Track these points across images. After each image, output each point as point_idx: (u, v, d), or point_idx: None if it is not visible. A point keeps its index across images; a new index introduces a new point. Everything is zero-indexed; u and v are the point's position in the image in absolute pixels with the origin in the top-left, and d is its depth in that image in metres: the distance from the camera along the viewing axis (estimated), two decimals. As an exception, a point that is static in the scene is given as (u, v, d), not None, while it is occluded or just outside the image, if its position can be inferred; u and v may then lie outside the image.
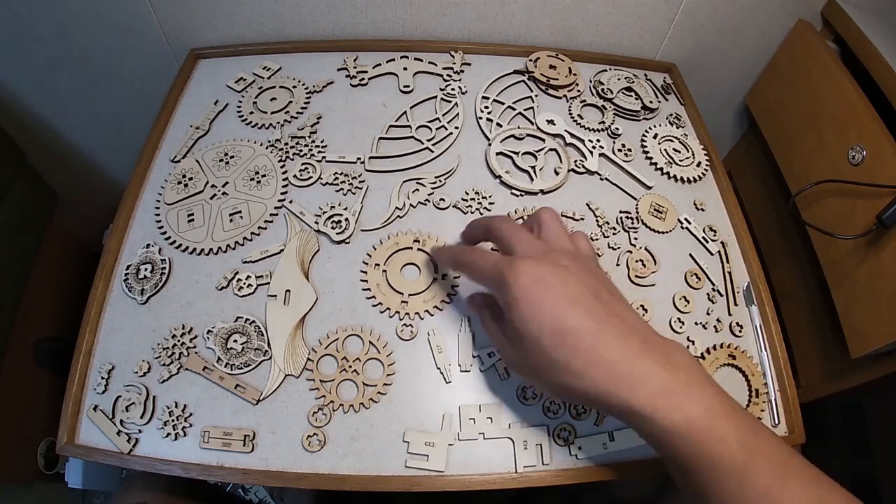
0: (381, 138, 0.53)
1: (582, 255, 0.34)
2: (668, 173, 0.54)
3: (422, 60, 0.59)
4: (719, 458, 0.27)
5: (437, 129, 0.54)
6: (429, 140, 0.53)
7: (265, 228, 0.46)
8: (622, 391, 0.29)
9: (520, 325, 0.31)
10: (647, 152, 0.55)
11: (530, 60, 0.60)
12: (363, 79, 0.57)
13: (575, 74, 0.60)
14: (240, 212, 0.47)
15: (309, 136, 0.52)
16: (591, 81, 0.60)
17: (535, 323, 0.30)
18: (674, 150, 0.56)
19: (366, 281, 0.44)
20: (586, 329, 0.29)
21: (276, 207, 0.47)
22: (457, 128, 0.54)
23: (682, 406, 0.28)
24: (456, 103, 0.56)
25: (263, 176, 0.49)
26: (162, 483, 0.44)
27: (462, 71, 0.59)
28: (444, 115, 0.55)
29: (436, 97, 0.56)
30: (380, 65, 0.59)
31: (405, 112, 0.55)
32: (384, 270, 0.44)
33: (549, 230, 0.35)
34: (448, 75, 0.58)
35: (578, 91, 0.59)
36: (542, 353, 0.30)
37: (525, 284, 0.30)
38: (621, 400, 0.29)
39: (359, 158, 0.51)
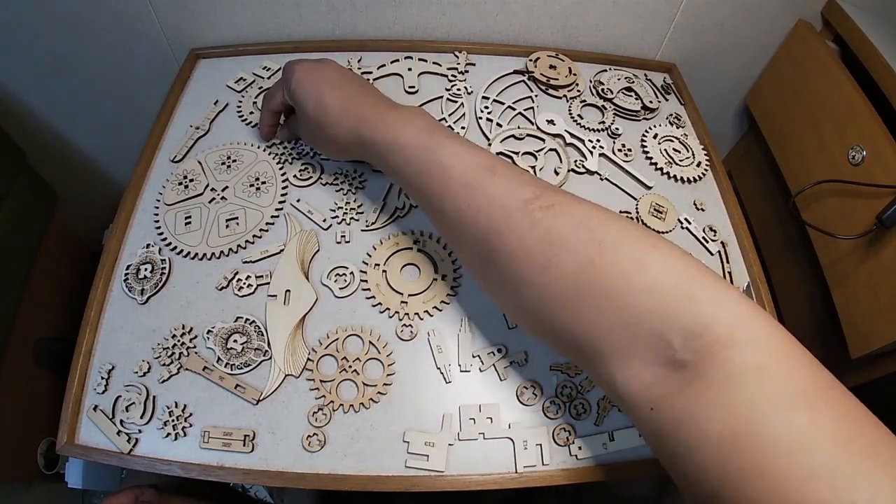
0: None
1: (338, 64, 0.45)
2: (668, 173, 0.54)
3: (426, 61, 0.59)
4: (426, 162, 0.35)
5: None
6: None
7: (260, 237, 0.46)
8: (358, 128, 0.39)
9: (298, 104, 0.43)
10: (647, 152, 0.55)
11: (530, 60, 0.60)
12: (367, 79, 0.57)
13: (575, 74, 0.60)
14: (237, 218, 0.47)
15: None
16: (591, 81, 0.60)
17: (306, 101, 0.42)
18: (674, 150, 0.56)
19: (366, 281, 0.44)
20: (335, 98, 0.40)
21: (272, 216, 0.47)
22: (463, 128, 0.54)
23: (398, 129, 0.37)
24: (462, 103, 0.56)
25: (263, 183, 0.49)
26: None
27: (467, 71, 0.59)
28: (450, 115, 0.55)
29: (441, 97, 0.56)
30: (384, 65, 0.59)
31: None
32: (384, 270, 0.44)
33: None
34: (453, 75, 0.59)
35: (578, 91, 0.59)
36: (313, 119, 0.41)
37: (299, 75, 0.42)
38: (357, 133, 0.39)
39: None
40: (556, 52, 0.61)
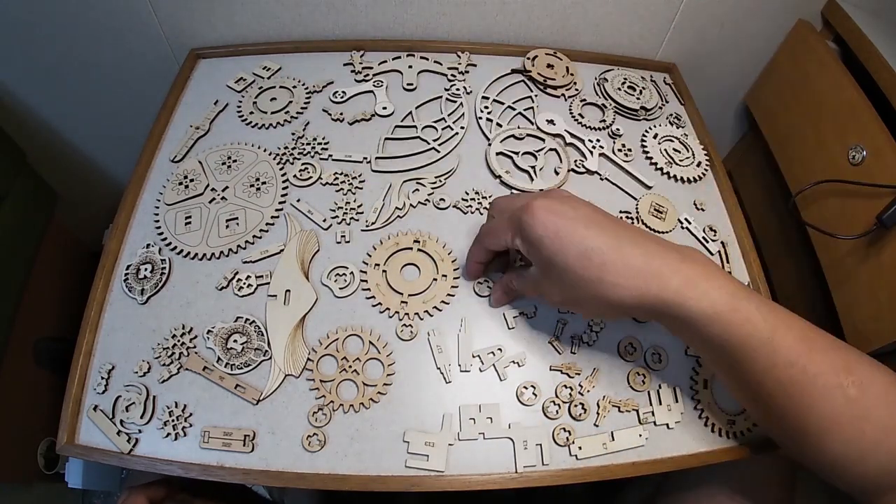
0: (387, 139, 0.53)
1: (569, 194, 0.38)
2: (668, 173, 0.54)
3: (427, 59, 0.59)
4: (748, 335, 0.31)
5: (442, 129, 0.54)
6: (434, 140, 0.53)
7: (260, 238, 0.46)
8: (653, 289, 0.32)
9: (548, 258, 0.34)
10: (647, 152, 0.55)
11: (528, 59, 0.60)
12: (367, 75, 0.57)
13: (572, 74, 0.60)
14: (237, 218, 0.47)
15: (312, 137, 0.52)
16: (595, 79, 0.60)
17: (560, 254, 0.33)
18: (674, 150, 0.56)
19: (366, 281, 0.44)
20: (607, 245, 0.33)
21: (272, 217, 0.47)
22: (462, 128, 0.54)
23: (708, 293, 0.31)
24: (461, 103, 0.56)
25: (263, 183, 0.49)
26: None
27: (467, 71, 0.59)
28: (449, 115, 0.55)
29: (441, 97, 0.56)
30: (385, 62, 0.59)
31: (410, 112, 0.55)
32: (384, 270, 0.44)
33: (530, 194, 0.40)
34: (452, 75, 0.59)
35: (577, 90, 0.59)
36: (575, 277, 0.33)
37: (543, 219, 0.34)
38: (654, 296, 0.32)
39: (365, 158, 0.51)
40: (555, 51, 0.61)
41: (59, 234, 0.77)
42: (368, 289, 0.43)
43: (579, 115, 0.57)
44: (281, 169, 0.50)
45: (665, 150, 0.55)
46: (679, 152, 0.56)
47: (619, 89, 0.59)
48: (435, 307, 0.43)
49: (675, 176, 0.53)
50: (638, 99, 0.59)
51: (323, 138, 0.52)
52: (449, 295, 0.44)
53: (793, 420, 0.32)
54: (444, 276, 0.44)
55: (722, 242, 0.50)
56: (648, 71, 0.64)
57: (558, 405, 0.40)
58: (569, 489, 0.47)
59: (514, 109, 0.57)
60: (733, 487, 0.46)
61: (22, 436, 0.68)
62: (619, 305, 0.33)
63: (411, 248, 0.45)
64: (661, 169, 0.54)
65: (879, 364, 0.32)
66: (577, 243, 0.33)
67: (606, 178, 0.53)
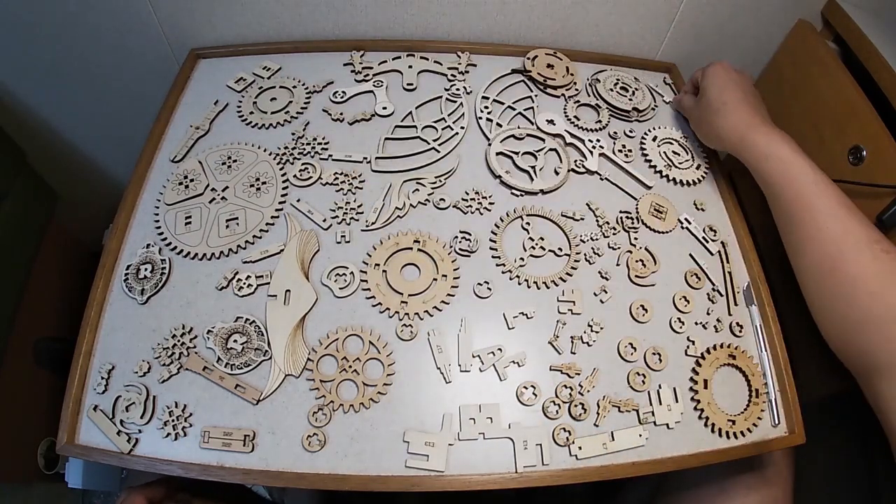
0: (387, 139, 0.53)
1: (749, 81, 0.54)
2: (667, 176, 0.53)
3: (427, 59, 0.59)
4: (798, 174, 0.43)
5: (442, 129, 0.54)
6: (434, 140, 0.53)
7: (260, 238, 0.46)
8: (749, 129, 0.47)
9: (704, 88, 0.52)
10: (646, 154, 0.55)
11: (528, 59, 0.60)
12: (367, 75, 0.57)
13: (572, 74, 0.60)
14: (237, 218, 0.47)
15: (312, 137, 0.52)
16: (587, 80, 0.60)
17: (714, 87, 0.51)
18: (673, 152, 0.56)
19: (366, 281, 0.44)
20: (738, 98, 0.49)
21: (272, 217, 0.47)
22: (462, 128, 0.54)
23: (781, 145, 0.45)
24: (461, 103, 0.56)
25: (264, 183, 0.49)
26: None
27: (467, 71, 0.59)
28: (449, 115, 0.55)
29: (441, 97, 0.56)
30: (385, 62, 0.59)
31: (410, 112, 0.55)
32: (384, 270, 0.44)
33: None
34: (452, 75, 0.59)
35: (576, 90, 0.59)
36: (711, 104, 0.50)
37: (716, 70, 0.52)
38: (746, 134, 0.47)
39: (365, 158, 0.51)
40: (555, 51, 0.61)
41: (59, 234, 0.77)
42: (368, 289, 0.43)
43: (574, 116, 0.57)
44: (281, 169, 0.50)
45: (664, 152, 0.55)
46: (678, 154, 0.56)
47: (612, 90, 0.59)
48: (435, 307, 0.43)
49: (674, 178, 0.53)
50: (630, 100, 0.59)
51: (323, 138, 0.52)
52: (449, 295, 0.44)
53: (825, 262, 0.41)
54: (444, 276, 0.44)
55: (722, 242, 0.50)
56: (647, 71, 0.64)
57: (558, 405, 0.40)
58: (569, 489, 0.47)
59: (514, 109, 0.57)
60: (732, 487, 0.46)
61: (22, 436, 0.68)
62: (720, 130, 0.49)
63: (411, 248, 0.45)
64: (660, 172, 0.54)
65: None
66: (723, 89, 0.50)
67: (606, 178, 0.53)
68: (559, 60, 0.61)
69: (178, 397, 0.39)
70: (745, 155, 0.47)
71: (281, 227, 0.46)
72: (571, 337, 0.43)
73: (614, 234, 0.49)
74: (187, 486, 0.42)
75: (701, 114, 0.52)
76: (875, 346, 0.37)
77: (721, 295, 0.48)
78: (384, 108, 0.55)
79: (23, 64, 0.61)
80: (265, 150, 0.51)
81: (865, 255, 0.39)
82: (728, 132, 0.48)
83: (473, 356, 0.41)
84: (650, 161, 0.54)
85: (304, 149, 0.51)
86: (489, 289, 0.44)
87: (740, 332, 0.46)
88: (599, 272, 0.47)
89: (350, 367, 0.40)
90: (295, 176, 0.49)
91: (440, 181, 0.50)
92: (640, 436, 0.40)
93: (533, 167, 0.52)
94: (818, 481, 0.35)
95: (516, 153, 0.53)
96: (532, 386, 0.41)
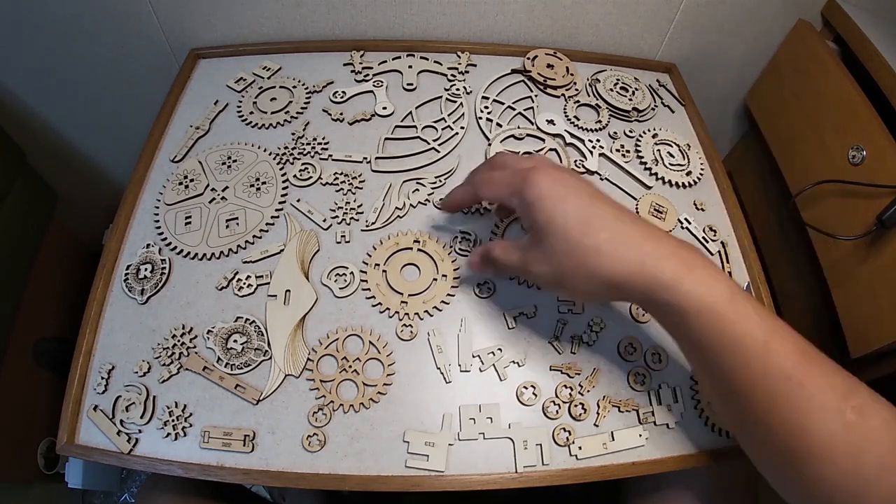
0: (387, 139, 0.53)
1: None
2: (666, 175, 0.53)
3: (427, 59, 0.59)
4: (742, 336, 0.29)
5: (442, 129, 0.54)
6: (434, 140, 0.53)
7: (260, 238, 0.46)
8: (648, 266, 0.30)
9: (546, 220, 0.33)
10: (642, 156, 0.55)
11: (528, 59, 0.60)
12: (367, 75, 0.57)
13: (572, 74, 0.60)
14: (237, 218, 0.47)
15: (312, 137, 0.52)
16: (587, 80, 0.60)
17: (560, 215, 0.32)
18: (668, 153, 0.56)
19: (366, 281, 0.44)
20: (611, 214, 0.32)
21: (272, 217, 0.47)
22: (462, 128, 0.54)
23: (706, 282, 0.30)
24: (461, 103, 0.56)
25: (264, 183, 0.49)
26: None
27: (467, 71, 0.59)
28: (448, 115, 0.55)
29: (441, 97, 0.56)
30: (385, 62, 0.59)
31: (410, 112, 0.55)
32: (384, 270, 0.44)
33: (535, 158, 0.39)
34: (452, 75, 0.59)
35: (576, 90, 0.59)
36: (572, 243, 0.32)
37: (548, 183, 0.33)
38: (649, 274, 0.30)
39: (365, 158, 0.51)
40: (555, 51, 0.61)
41: (59, 234, 0.77)
42: (368, 289, 0.43)
43: (574, 116, 0.57)
44: (281, 169, 0.50)
45: (664, 151, 0.55)
46: (675, 156, 0.56)
47: (612, 90, 0.59)
48: (435, 307, 0.43)
49: (671, 181, 0.53)
50: (630, 100, 0.59)
51: (323, 138, 0.52)
52: (449, 295, 0.44)
53: (782, 440, 0.29)
54: (444, 276, 0.44)
55: (722, 242, 0.50)
56: (647, 71, 0.64)
57: (558, 405, 0.40)
58: (569, 489, 0.47)
59: (514, 109, 0.57)
60: (731, 487, 0.45)
61: (22, 436, 0.68)
62: (610, 279, 0.31)
63: (411, 248, 0.45)
64: (658, 173, 0.53)
65: (880, 396, 0.30)
66: (581, 208, 0.32)
67: (606, 178, 0.53)
68: (559, 60, 0.61)
69: (178, 397, 0.39)
70: (657, 302, 0.31)
71: (281, 227, 0.46)
72: (572, 337, 0.43)
73: (614, 234, 0.49)
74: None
75: (560, 263, 0.33)
76: None
77: (721, 295, 0.47)
78: (384, 108, 0.55)
79: (23, 64, 0.61)
80: (265, 150, 0.51)
81: (836, 427, 0.28)
82: (621, 276, 0.31)
83: (473, 356, 0.41)
84: (650, 160, 0.54)
85: (304, 149, 0.51)
86: (489, 289, 0.44)
87: (740, 332, 0.46)
88: (599, 272, 0.46)
89: (350, 367, 0.40)
90: (295, 176, 0.49)
91: (440, 181, 0.50)
92: (641, 436, 0.40)
93: (533, 167, 0.52)
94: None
95: (516, 153, 0.53)
96: (532, 386, 0.41)
